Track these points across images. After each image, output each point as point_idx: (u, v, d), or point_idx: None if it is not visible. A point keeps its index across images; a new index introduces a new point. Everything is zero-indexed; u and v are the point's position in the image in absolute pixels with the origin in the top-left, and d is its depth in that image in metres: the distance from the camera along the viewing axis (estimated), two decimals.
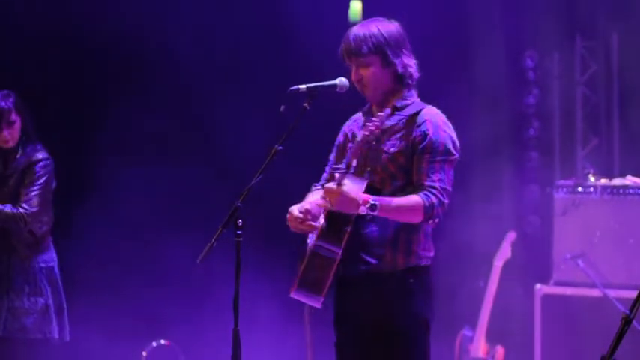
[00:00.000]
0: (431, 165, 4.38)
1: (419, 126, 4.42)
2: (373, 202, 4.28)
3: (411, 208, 4.33)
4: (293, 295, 4.47)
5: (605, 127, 8.59)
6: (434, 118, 4.44)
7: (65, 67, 8.25)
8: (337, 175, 4.36)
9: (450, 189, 4.40)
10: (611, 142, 8.52)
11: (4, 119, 6.11)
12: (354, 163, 4.37)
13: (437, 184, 4.36)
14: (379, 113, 4.39)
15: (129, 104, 8.11)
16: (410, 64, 4.52)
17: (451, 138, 4.44)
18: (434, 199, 4.33)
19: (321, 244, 4.37)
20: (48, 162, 6.21)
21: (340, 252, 4.34)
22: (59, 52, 8.22)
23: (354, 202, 4.28)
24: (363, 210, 4.28)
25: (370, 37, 4.47)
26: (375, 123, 4.36)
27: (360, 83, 4.52)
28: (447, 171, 4.41)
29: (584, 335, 7.23)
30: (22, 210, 6.08)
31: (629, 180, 7.54)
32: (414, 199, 4.33)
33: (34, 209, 6.10)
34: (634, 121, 8.32)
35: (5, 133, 6.13)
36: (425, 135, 4.40)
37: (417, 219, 4.35)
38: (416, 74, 4.54)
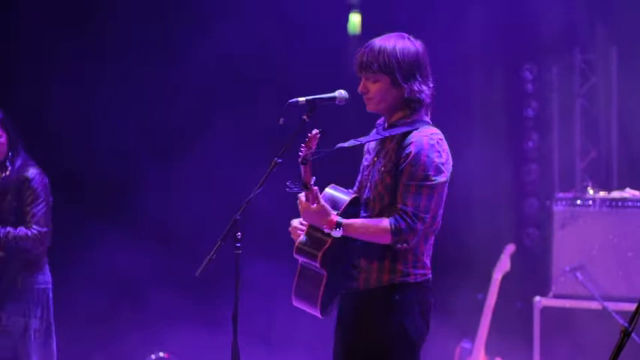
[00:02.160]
0: (406, 189, 4.31)
1: (404, 147, 4.35)
2: (338, 223, 4.28)
3: (377, 231, 4.30)
4: (295, 304, 4.50)
5: (604, 139, 8.60)
6: (420, 141, 4.35)
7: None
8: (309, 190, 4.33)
9: (423, 215, 4.30)
10: (610, 155, 8.53)
11: None
12: (312, 181, 4.31)
13: (409, 209, 4.29)
14: (309, 134, 4.32)
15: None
16: (421, 89, 4.43)
17: (434, 163, 4.33)
18: (402, 224, 4.29)
19: (303, 260, 4.40)
20: (44, 178, 6.17)
21: (319, 266, 4.34)
22: None
23: (320, 220, 4.29)
24: (326, 229, 4.29)
25: (383, 56, 4.40)
26: (307, 145, 4.27)
27: (365, 96, 4.49)
28: (424, 196, 4.31)
29: (583, 348, 7.22)
30: (35, 231, 6.06)
31: (628, 192, 7.54)
32: (382, 222, 4.30)
33: (45, 229, 6.08)
34: (633, 133, 8.33)
35: None
36: (407, 157, 4.33)
37: (385, 241, 4.32)
38: (427, 100, 4.46)
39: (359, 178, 4.62)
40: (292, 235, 4.51)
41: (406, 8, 7.95)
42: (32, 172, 6.14)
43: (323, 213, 4.30)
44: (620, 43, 8.46)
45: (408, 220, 4.29)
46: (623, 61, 8.46)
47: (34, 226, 6.05)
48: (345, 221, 4.30)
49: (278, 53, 8.29)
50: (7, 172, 6.13)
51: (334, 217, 4.30)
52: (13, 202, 6.10)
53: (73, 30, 8.20)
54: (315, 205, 4.29)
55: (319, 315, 4.44)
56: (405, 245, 4.33)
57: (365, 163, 4.58)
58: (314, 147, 4.29)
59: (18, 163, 6.15)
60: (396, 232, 4.28)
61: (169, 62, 8.32)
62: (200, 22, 8.40)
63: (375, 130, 4.62)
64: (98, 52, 8.36)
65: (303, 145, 4.31)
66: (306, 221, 4.36)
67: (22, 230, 6.03)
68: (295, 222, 4.52)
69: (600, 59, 8.58)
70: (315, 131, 4.33)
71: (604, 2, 8.40)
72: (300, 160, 4.29)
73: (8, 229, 6.04)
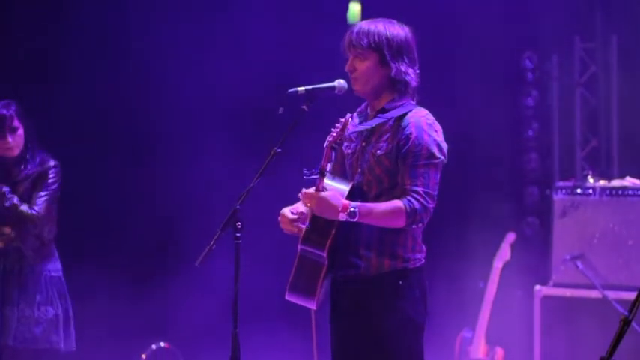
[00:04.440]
0: (413, 169, 4.35)
1: (403, 129, 4.39)
2: (353, 209, 4.27)
3: (392, 214, 4.32)
4: (287, 297, 4.49)
5: (604, 128, 8.60)
6: (418, 121, 4.40)
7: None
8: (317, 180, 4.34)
9: (433, 193, 4.37)
10: (610, 144, 8.53)
11: (6, 126, 6.16)
12: (328, 168, 4.35)
13: (420, 189, 4.33)
14: (341, 119, 4.38)
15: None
16: (407, 71, 4.48)
17: (435, 141, 4.40)
18: (416, 204, 4.31)
19: (306, 248, 4.39)
20: (59, 169, 6.28)
21: (325, 255, 4.34)
22: None
23: (334, 208, 4.28)
24: (342, 217, 4.28)
25: (373, 33, 4.47)
26: (336, 130, 4.35)
27: (352, 75, 4.52)
28: (431, 175, 4.37)
29: (583, 336, 7.22)
30: (34, 212, 6.14)
31: (628, 181, 7.54)
32: (396, 204, 4.32)
33: (43, 213, 6.18)
34: (633, 122, 8.33)
35: (9, 139, 6.17)
36: (408, 138, 4.37)
37: (399, 224, 4.34)
38: (413, 83, 4.50)
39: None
40: (282, 225, 4.51)
41: None
42: (52, 163, 6.26)
43: (337, 199, 4.29)
44: (620, 32, 8.45)
45: (422, 200, 4.33)
46: (623, 49, 8.45)
47: (35, 207, 6.15)
48: (359, 205, 4.31)
49: (276, 44, 8.28)
50: (28, 165, 6.24)
51: (347, 202, 4.30)
52: (25, 192, 6.20)
53: None
54: (328, 191, 4.29)
55: (314, 306, 4.43)
56: (420, 225, 4.37)
57: (348, 150, 4.58)
58: (344, 133, 4.33)
59: (39, 156, 6.27)
60: (411, 213, 4.30)
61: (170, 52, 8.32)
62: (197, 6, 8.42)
63: (356, 115, 4.63)
64: None
65: (333, 129, 4.33)
66: (318, 212, 4.32)
67: (24, 205, 6.13)
68: (287, 212, 4.52)
69: (600, 48, 8.57)
70: (348, 116, 4.40)
71: None
72: (328, 144, 4.31)
73: (15, 197, 6.14)
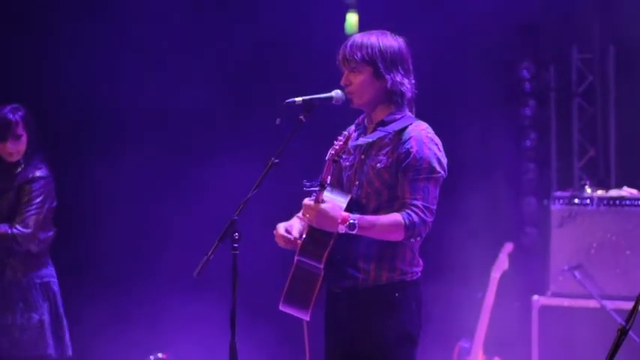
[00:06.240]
0: (413, 183, 4.36)
1: (404, 143, 4.40)
2: (352, 221, 4.29)
3: (391, 227, 4.32)
4: (281, 308, 4.49)
5: (602, 138, 8.61)
6: (419, 135, 4.41)
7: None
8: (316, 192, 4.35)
9: (432, 207, 4.38)
10: (607, 154, 8.54)
11: (10, 131, 6.08)
12: (328, 180, 4.36)
13: (419, 203, 4.34)
14: (344, 132, 4.40)
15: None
16: (403, 82, 4.49)
17: (436, 155, 4.42)
18: (415, 218, 4.32)
19: (303, 260, 4.39)
20: (47, 180, 6.14)
21: (322, 267, 4.35)
22: None
23: (333, 220, 4.30)
24: (341, 228, 4.29)
25: (366, 46, 4.48)
26: (339, 142, 4.37)
27: (347, 89, 4.53)
28: (431, 189, 4.39)
29: (581, 346, 7.22)
30: (15, 231, 6.01)
31: (626, 191, 7.55)
32: (395, 217, 4.33)
33: (28, 230, 6.03)
34: (630, 132, 8.34)
35: (9, 145, 6.10)
36: (409, 152, 4.38)
37: (397, 237, 4.34)
38: (409, 94, 4.51)
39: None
40: (277, 239, 4.51)
41: (403, 7, 7.96)
42: (36, 174, 6.12)
43: (336, 211, 4.30)
44: (617, 42, 8.47)
45: (420, 213, 4.34)
46: (621, 59, 8.46)
47: (17, 226, 6.03)
48: (359, 217, 4.31)
49: (274, 53, 8.29)
50: (19, 172, 6.13)
51: (346, 214, 4.31)
52: (12, 201, 6.11)
53: None
54: (326, 203, 4.30)
55: (307, 317, 4.44)
56: (418, 239, 4.38)
57: (346, 163, 4.58)
58: (346, 147, 4.36)
59: (30, 165, 6.15)
60: (410, 226, 4.31)
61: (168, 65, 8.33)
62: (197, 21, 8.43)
63: (354, 127, 4.63)
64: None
65: (336, 142, 4.34)
66: (317, 224, 4.34)
67: (3, 227, 6.04)
68: (281, 228, 4.53)
69: (598, 58, 8.59)
70: (350, 129, 4.44)
71: (601, 0, 8.40)
72: (330, 157, 4.33)
73: None
